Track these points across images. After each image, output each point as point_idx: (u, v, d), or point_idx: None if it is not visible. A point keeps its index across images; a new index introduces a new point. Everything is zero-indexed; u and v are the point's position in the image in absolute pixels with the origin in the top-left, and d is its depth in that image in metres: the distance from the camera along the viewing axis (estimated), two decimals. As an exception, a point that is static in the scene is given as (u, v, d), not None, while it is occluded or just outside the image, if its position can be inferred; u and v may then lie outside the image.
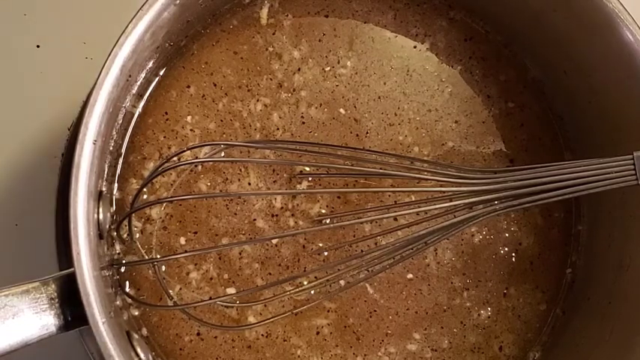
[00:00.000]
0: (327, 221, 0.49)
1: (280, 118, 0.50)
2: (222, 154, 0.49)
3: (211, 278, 0.49)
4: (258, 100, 0.50)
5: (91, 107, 0.39)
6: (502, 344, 0.51)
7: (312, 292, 0.49)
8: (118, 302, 0.46)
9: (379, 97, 0.51)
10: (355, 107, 0.51)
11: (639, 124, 0.46)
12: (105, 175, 0.46)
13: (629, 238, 0.49)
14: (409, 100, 0.52)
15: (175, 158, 0.48)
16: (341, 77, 0.51)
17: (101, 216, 0.43)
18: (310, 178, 0.50)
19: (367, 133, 0.51)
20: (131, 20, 0.41)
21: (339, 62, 0.51)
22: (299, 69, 0.51)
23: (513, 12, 0.51)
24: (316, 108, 0.50)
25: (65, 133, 0.53)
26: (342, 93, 0.51)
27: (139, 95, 0.49)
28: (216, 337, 0.48)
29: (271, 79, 0.50)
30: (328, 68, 0.51)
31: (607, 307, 0.49)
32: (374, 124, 0.51)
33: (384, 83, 0.51)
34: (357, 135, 0.51)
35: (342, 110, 0.51)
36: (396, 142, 0.51)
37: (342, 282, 0.49)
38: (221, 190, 0.49)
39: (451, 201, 0.45)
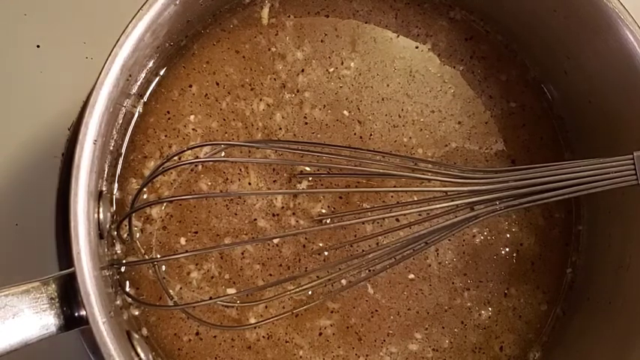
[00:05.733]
0: (328, 221, 0.49)
1: (283, 118, 0.50)
2: (223, 153, 0.49)
3: (212, 277, 0.49)
4: (261, 100, 0.50)
5: (91, 107, 0.39)
6: (503, 344, 0.51)
7: (313, 291, 0.49)
8: (118, 302, 0.46)
9: (383, 99, 0.51)
10: (359, 109, 0.51)
11: (639, 124, 0.46)
12: (105, 175, 0.46)
13: (629, 238, 0.49)
14: (413, 101, 0.52)
15: (176, 158, 0.48)
16: (345, 79, 0.51)
17: (101, 216, 0.43)
18: (310, 178, 0.50)
19: (371, 135, 0.51)
20: (131, 20, 0.41)
21: (342, 63, 0.51)
22: (302, 70, 0.51)
23: (513, 12, 0.51)
24: (320, 109, 0.50)
25: (65, 133, 0.53)
26: (346, 94, 0.51)
27: (140, 95, 0.49)
28: (215, 337, 0.48)
29: (275, 79, 0.50)
30: (332, 69, 0.51)
31: (607, 307, 0.49)
32: (378, 126, 0.51)
33: (388, 85, 0.51)
34: (361, 137, 0.51)
35: (345, 112, 0.51)
36: (400, 143, 0.51)
37: (343, 282, 0.49)
38: (221, 190, 0.49)
39: (453, 201, 0.45)
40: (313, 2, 0.52)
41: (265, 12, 0.52)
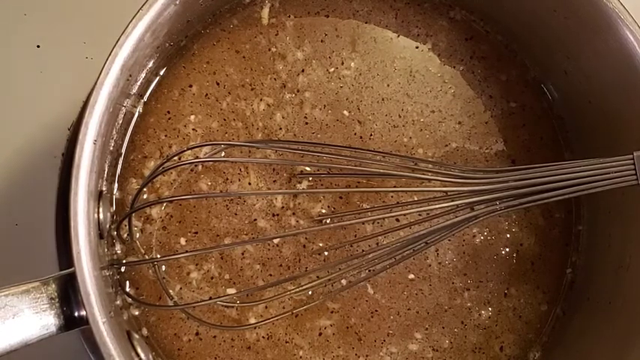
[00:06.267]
0: (328, 221, 0.49)
1: (283, 118, 0.50)
2: (223, 153, 0.49)
3: (212, 278, 0.49)
4: (261, 100, 0.50)
5: (91, 107, 0.39)
6: (503, 344, 0.51)
7: (313, 292, 0.49)
8: (118, 302, 0.46)
9: (383, 99, 0.51)
10: (359, 109, 0.51)
11: (639, 124, 0.46)
12: (105, 175, 0.46)
13: (629, 238, 0.49)
14: (413, 101, 0.52)
15: (176, 158, 0.48)
16: (345, 79, 0.51)
17: (101, 216, 0.43)
18: (310, 178, 0.50)
19: (371, 135, 0.51)
20: (131, 20, 0.41)
21: (342, 63, 0.51)
22: (303, 70, 0.51)
23: (513, 12, 0.51)
24: (320, 109, 0.50)
25: (65, 133, 0.53)
26: (346, 95, 0.51)
27: (140, 95, 0.49)
28: (215, 337, 0.48)
29: (275, 79, 0.50)
30: (332, 69, 0.51)
31: (607, 307, 0.49)
32: (378, 126, 0.51)
33: (388, 85, 0.51)
34: (361, 137, 0.51)
35: (345, 112, 0.51)
36: (400, 143, 0.51)
37: (343, 282, 0.50)
38: (221, 190, 0.49)
39: (453, 201, 0.45)
40: (313, 2, 0.52)
41: (265, 12, 0.52)
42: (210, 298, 0.48)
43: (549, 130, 0.53)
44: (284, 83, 0.51)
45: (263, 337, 0.49)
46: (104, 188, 0.45)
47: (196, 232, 0.49)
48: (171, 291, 0.48)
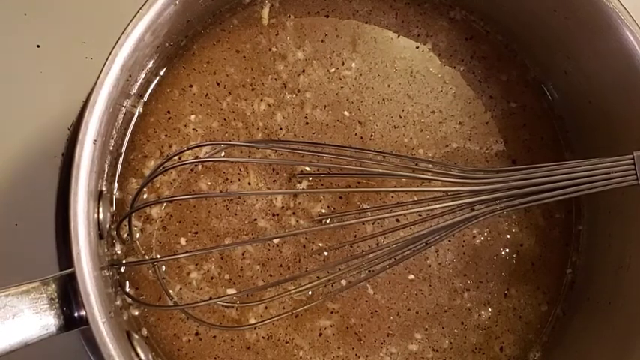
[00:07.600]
0: (328, 221, 0.49)
1: (284, 118, 0.50)
2: (223, 153, 0.49)
3: (212, 278, 0.49)
4: (262, 100, 0.50)
5: (91, 107, 0.39)
6: (503, 344, 0.51)
7: (313, 292, 0.49)
8: (118, 302, 0.46)
9: (383, 100, 0.51)
10: (360, 110, 0.51)
11: (639, 124, 0.46)
12: (105, 175, 0.46)
13: (629, 238, 0.49)
14: (413, 102, 0.52)
15: (176, 157, 0.48)
16: (345, 79, 0.51)
17: (101, 216, 0.43)
18: (311, 178, 0.50)
19: (372, 135, 0.51)
20: (131, 20, 0.41)
21: (343, 64, 0.51)
22: (303, 70, 0.51)
23: (513, 12, 0.51)
24: (320, 110, 0.50)
25: (65, 133, 0.53)
26: (347, 95, 0.51)
27: (140, 95, 0.49)
28: (214, 337, 0.48)
29: (276, 79, 0.50)
30: (333, 70, 0.51)
31: (607, 307, 0.49)
32: (379, 127, 0.51)
33: (388, 85, 0.51)
34: (362, 138, 0.51)
35: (346, 113, 0.51)
36: (401, 144, 0.51)
37: (343, 282, 0.50)
38: (221, 190, 0.49)
39: (453, 201, 0.45)
40: (313, 2, 0.52)
41: (265, 12, 0.52)
42: (210, 298, 0.48)
43: (549, 130, 0.53)
44: (284, 83, 0.51)
45: (263, 337, 0.49)
46: (104, 188, 0.45)
47: (196, 232, 0.49)
48: (171, 291, 0.48)
